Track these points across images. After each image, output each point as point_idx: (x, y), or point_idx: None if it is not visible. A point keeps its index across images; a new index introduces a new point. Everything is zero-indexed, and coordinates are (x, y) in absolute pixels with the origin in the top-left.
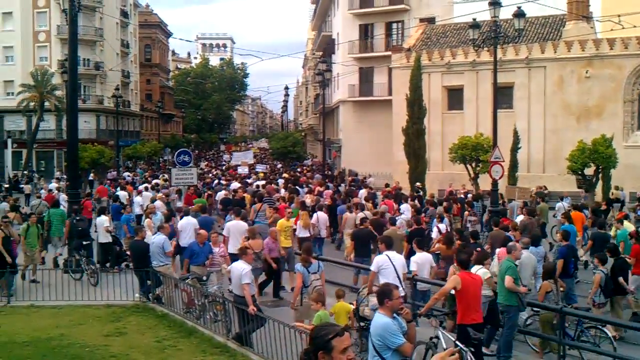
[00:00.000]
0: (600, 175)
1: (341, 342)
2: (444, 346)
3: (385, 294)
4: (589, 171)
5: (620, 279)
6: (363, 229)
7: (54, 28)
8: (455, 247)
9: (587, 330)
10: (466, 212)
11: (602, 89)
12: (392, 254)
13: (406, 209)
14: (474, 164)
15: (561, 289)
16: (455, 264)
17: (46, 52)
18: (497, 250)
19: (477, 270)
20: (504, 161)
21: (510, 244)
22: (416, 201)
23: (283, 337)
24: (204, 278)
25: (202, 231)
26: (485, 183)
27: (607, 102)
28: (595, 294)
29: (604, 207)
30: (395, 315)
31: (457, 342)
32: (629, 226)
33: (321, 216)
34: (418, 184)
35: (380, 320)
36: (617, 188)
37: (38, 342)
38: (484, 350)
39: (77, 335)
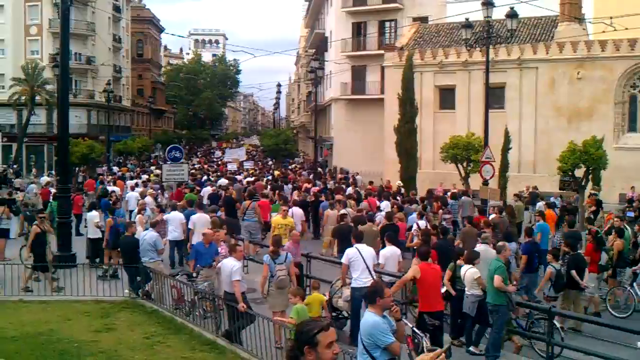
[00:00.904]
0: (590, 176)
1: (326, 337)
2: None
3: (377, 292)
4: (579, 172)
5: (573, 272)
6: (343, 225)
7: (46, 22)
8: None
9: (537, 322)
10: (440, 211)
11: (593, 91)
12: (362, 246)
13: (386, 206)
14: (465, 164)
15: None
16: (416, 257)
17: (37, 45)
18: (477, 246)
19: (467, 269)
20: (494, 161)
21: (500, 243)
22: (399, 199)
23: (272, 334)
24: (194, 275)
25: (208, 231)
26: (476, 183)
27: (598, 103)
28: (545, 288)
29: (593, 208)
30: (384, 313)
31: (414, 329)
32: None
33: (296, 211)
34: (399, 182)
35: (370, 319)
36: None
37: (27, 337)
38: (472, 349)
39: (65, 331)
